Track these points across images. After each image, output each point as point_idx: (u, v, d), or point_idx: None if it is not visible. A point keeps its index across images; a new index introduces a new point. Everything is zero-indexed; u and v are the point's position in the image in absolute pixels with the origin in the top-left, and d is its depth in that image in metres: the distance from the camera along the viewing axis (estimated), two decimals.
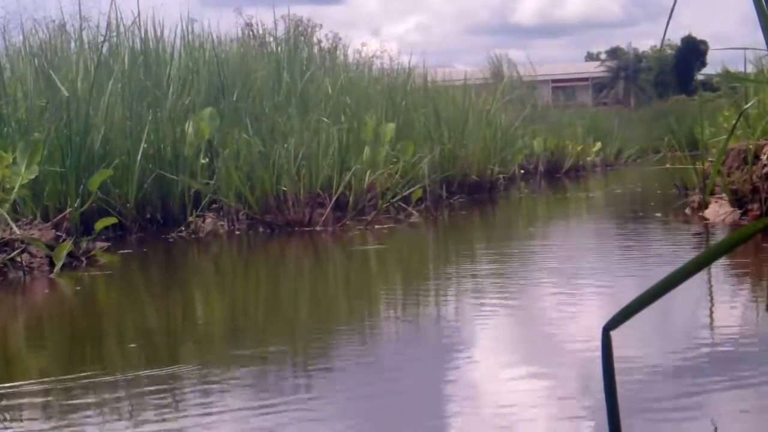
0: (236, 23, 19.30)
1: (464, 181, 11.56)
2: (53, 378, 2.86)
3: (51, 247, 5.47)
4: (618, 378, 0.89)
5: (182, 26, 9.45)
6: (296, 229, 7.63)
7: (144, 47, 8.70)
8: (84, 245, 5.77)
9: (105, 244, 6.05)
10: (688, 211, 7.74)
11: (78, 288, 5.01)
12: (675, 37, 58.58)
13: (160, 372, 2.88)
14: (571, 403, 2.38)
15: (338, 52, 12.42)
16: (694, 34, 59.21)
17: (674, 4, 1.33)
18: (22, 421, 2.44)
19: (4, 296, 4.84)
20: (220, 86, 8.91)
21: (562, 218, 9.23)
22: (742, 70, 8.78)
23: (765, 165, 6.79)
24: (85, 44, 8.51)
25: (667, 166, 10.02)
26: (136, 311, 4.39)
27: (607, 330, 0.88)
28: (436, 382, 2.68)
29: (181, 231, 7.56)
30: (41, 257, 5.46)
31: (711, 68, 49.15)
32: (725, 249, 0.86)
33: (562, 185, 15.05)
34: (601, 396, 1.05)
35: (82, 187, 6.87)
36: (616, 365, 0.88)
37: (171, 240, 7.28)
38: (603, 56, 60.69)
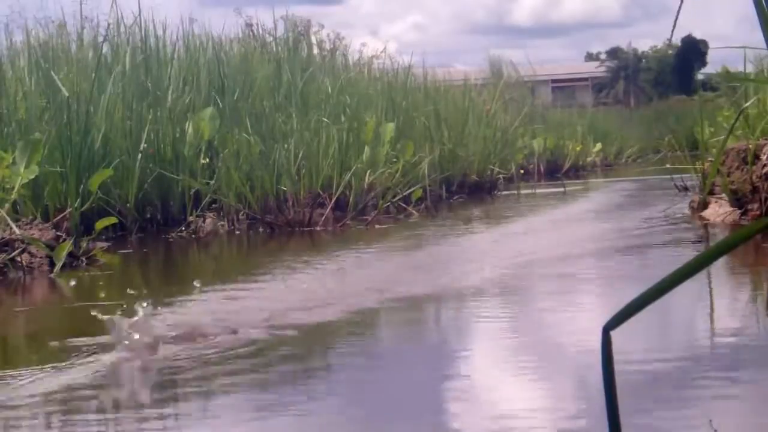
0: (236, 23, 19.30)
1: (464, 181, 11.57)
2: (51, 371, 2.86)
3: (51, 247, 5.47)
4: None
5: (182, 26, 9.42)
6: (296, 229, 7.63)
7: (144, 47, 8.70)
8: (84, 245, 5.76)
9: (105, 244, 6.04)
10: (687, 210, 7.73)
11: (78, 287, 5.01)
12: (675, 37, 58.57)
13: (159, 370, 2.88)
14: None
15: (338, 52, 12.43)
16: (694, 34, 59.23)
17: (680, 8, 1.33)
18: (20, 420, 2.44)
19: (5, 296, 4.84)
20: (220, 86, 8.91)
21: (561, 218, 9.22)
22: (742, 69, 8.76)
23: (765, 165, 6.79)
24: (85, 44, 8.50)
25: (667, 165, 10.02)
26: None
27: (606, 330, 0.88)
28: None
29: (181, 231, 7.56)
30: (41, 257, 5.46)
31: (711, 68, 49.20)
32: (725, 249, 0.86)
33: (561, 185, 15.04)
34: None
35: (82, 187, 6.87)
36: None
37: (171, 240, 7.27)
38: (603, 56, 60.69)
